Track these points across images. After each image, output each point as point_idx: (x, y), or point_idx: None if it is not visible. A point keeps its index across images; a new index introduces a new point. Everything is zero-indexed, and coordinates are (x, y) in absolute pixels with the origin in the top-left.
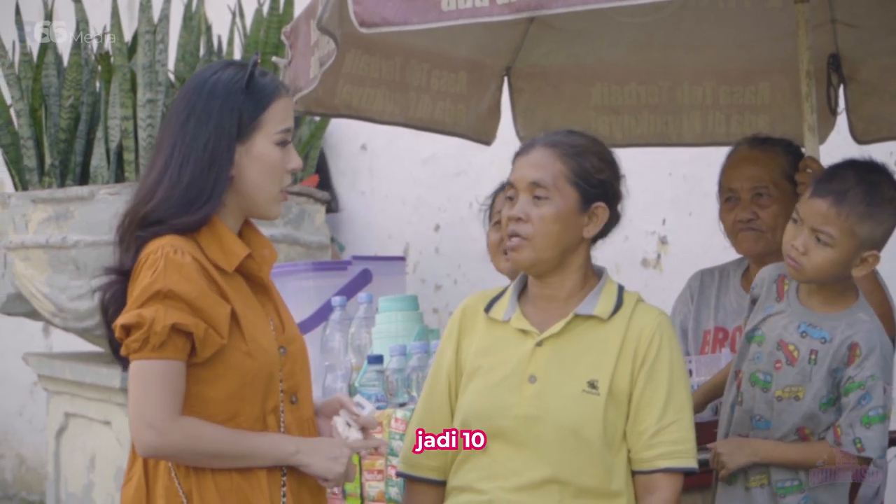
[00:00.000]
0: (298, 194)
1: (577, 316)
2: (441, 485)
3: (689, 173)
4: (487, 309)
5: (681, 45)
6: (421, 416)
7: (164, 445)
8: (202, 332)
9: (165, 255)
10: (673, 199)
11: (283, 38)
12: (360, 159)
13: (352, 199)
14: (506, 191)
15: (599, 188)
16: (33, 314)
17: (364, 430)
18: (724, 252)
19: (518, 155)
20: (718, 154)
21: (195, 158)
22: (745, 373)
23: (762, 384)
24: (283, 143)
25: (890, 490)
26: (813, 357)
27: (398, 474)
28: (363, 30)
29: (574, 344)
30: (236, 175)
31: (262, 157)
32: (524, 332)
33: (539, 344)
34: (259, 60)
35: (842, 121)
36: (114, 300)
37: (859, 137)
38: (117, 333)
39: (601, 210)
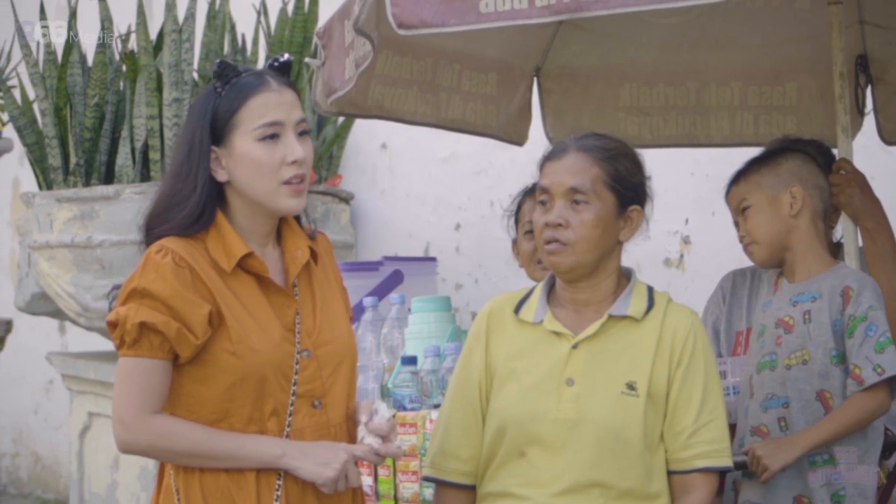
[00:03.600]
0: (323, 193)
1: (611, 317)
2: (470, 489)
3: (712, 172)
4: (517, 310)
5: (709, 46)
6: (451, 420)
7: (132, 442)
8: (174, 332)
9: (147, 255)
10: (695, 198)
11: (315, 38)
12: (379, 158)
13: (371, 197)
14: (536, 195)
15: (634, 191)
16: (57, 314)
17: (384, 436)
18: None
19: (548, 159)
20: (741, 153)
21: (175, 168)
22: (753, 368)
23: (769, 364)
24: (269, 138)
25: None
26: (807, 316)
27: (425, 478)
28: (401, 32)
29: (610, 345)
30: (230, 177)
31: (244, 156)
32: (557, 334)
33: (575, 346)
34: (226, 63)
35: (868, 121)
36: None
37: (887, 138)
38: (108, 330)
39: (636, 213)
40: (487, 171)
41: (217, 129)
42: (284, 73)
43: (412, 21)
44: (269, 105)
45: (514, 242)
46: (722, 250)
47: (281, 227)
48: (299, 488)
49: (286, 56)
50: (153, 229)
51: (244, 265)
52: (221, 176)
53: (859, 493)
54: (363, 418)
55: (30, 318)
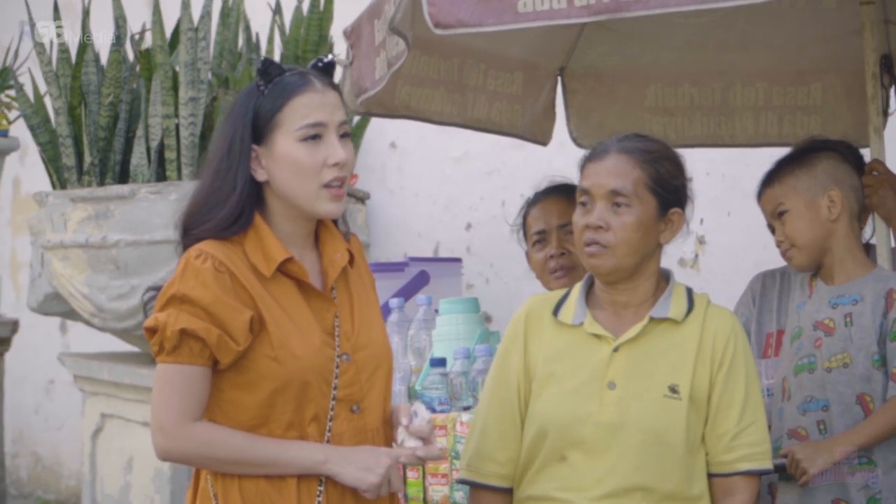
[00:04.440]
0: None
1: (651, 319)
2: (507, 492)
3: (728, 172)
4: (555, 312)
5: (734, 46)
6: (489, 423)
7: (172, 449)
8: (215, 338)
9: (186, 260)
10: (711, 198)
11: (344, 37)
12: (389, 157)
13: (381, 197)
14: (577, 196)
15: (675, 194)
16: (71, 314)
17: (424, 439)
18: (763, 252)
19: (589, 161)
20: (757, 154)
21: (215, 166)
22: (788, 370)
23: (808, 367)
24: (311, 139)
25: None
26: (848, 320)
27: (461, 481)
28: (438, 31)
29: (651, 348)
30: (269, 177)
31: (285, 157)
32: (598, 336)
33: (616, 349)
34: (270, 61)
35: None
36: (152, 306)
37: None
38: (146, 336)
39: (677, 216)
40: (500, 171)
41: (258, 128)
42: (328, 73)
43: (449, 21)
44: (313, 105)
45: (527, 255)
46: (737, 250)
47: (318, 228)
48: (339, 493)
49: (330, 56)
50: (191, 230)
51: (283, 269)
52: (261, 175)
53: (895, 498)
54: (403, 421)
55: (30, 317)
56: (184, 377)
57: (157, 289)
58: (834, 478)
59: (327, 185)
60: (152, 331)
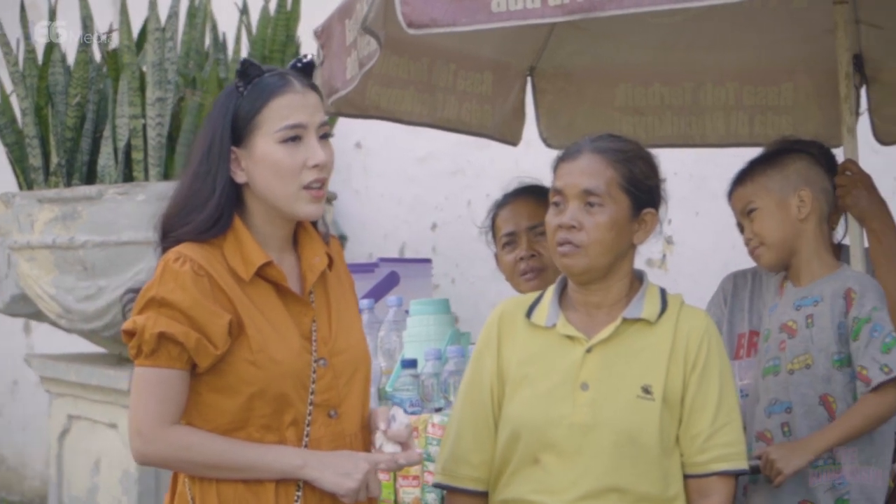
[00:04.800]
0: None
1: (624, 320)
2: (482, 496)
3: (696, 173)
4: (528, 314)
5: (705, 46)
6: (463, 427)
7: (149, 453)
8: (193, 342)
9: (165, 263)
10: (679, 199)
11: (314, 37)
12: (354, 157)
13: (346, 197)
14: (550, 197)
15: (648, 194)
16: (38, 315)
17: (403, 443)
18: (731, 252)
19: (562, 161)
20: (725, 154)
21: (194, 168)
22: (759, 373)
23: (773, 370)
24: (291, 140)
25: None
26: (810, 321)
27: (436, 485)
28: (411, 31)
29: (624, 349)
30: (249, 179)
31: (265, 158)
32: (571, 338)
33: (589, 350)
34: (250, 62)
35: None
36: (131, 308)
37: (882, 139)
38: (124, 339)
39: (651, 216)
40: (465, 171)
41: (238, 130)
42: (308, 74)
43: (422, 20)
44: (293, 107)
45: (496, 257)
46: (705, 251)
47: (297, 231)
48: (317, 499)
49: (309, 57)
50: (170, 232)
51: (262, 273)
52: (240, 178)
53: (865, 497)
54: (381, 425)
55: None
56: (162, 381)
57: (136, 291)
58: (799, 479)
59: (307, 187)
60: (130, 334)
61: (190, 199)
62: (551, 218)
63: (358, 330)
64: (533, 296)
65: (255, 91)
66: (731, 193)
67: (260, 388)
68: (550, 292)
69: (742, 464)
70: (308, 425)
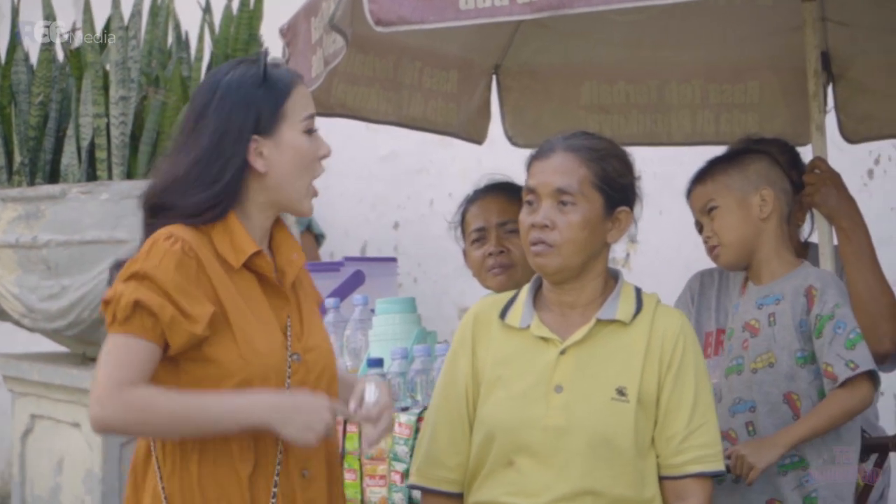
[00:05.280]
0: None
1: (599, 321)
2: (457, 497)
3: (660, 171)
4: (502, 315)
5: (670, 44)
6: (438, 429)
7: (106, 417)
8: (168, 316)
9: (154, 241)
10: (643, 197)
11: (280, 36)
12: None
13: None
14: (523, 195)
15: (622, 192)
16: (0, 314)
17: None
18: (694, 251)
19: (535, 159)
20: (690, 153)
21: (198, 152)
22: (721, 372)
23: (736, 369)
24: (309, 131)
25: (893, 492)
26: (772, 319)
27: (411, 486)
28: (379, 28)
29: (598, 350)
30: (267, 169)
31: (293, 147)
32: (545, 339)
33: (562, 352)
34: (268, 53)
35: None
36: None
37: (849, 136)
38: (101, 308)
39: (625, 214)
40: (428, 170)
41: (264, 119)
42: None
43: (390, 18)
44: (307, 98)
45: (465, 252)
46: (669, 250)
47: (273, 228)
48: (290, 486)
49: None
50: (162, 210)
51: (248, 263)
52: (261, 166)
53: (835, 495)
54: (352, 405)
55: None
56: (129, 348)
57: (124, 262)
58: (766, 478)
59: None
60: (107, 302)
61: (190, 182)
62: (524, 217)
63: (323, 329)
64: (507, 296)
65: (276, 83)
66: (690, 191)
67: (243, 379)
68: (525, 292)
69: (719, 465)
70: None
